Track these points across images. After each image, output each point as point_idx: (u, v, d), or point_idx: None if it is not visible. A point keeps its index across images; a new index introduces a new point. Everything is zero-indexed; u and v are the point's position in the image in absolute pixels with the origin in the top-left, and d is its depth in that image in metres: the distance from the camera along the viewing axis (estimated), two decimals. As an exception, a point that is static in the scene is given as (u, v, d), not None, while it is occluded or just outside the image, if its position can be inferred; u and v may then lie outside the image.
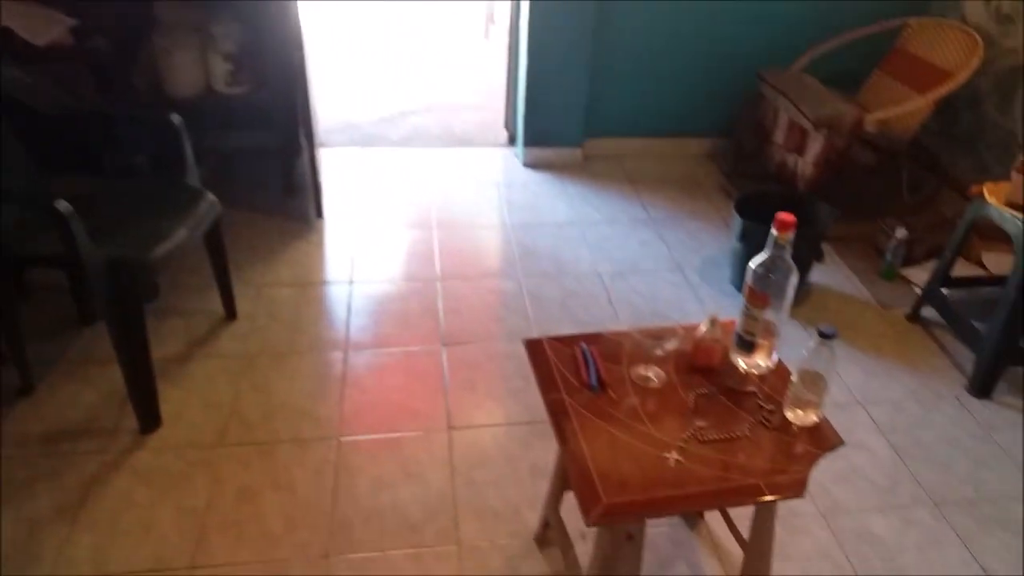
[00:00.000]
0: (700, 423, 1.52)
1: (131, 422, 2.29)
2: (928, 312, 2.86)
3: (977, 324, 2.61)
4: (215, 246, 2.59)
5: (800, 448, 1.48)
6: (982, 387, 2.53)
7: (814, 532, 2.05)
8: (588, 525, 1.33)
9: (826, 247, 3.23)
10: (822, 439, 1.51)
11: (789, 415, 1.54)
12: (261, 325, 2.74)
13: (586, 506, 1.35)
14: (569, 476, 1.42)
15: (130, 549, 1.95)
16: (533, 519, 2.05)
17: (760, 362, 1.66)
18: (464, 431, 2.33)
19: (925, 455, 2.30)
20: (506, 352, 2.64)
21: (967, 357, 2.67)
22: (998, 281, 2.53)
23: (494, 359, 2.61)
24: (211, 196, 2.45)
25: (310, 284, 2.96)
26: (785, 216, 1.51)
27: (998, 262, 3.07)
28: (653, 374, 1.63)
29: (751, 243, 2.83)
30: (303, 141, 3.19)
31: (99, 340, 2.55)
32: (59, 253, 2.02)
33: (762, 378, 1.65)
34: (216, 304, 2.75)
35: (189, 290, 2.88)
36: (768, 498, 1.39)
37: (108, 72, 3.07)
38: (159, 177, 2.48)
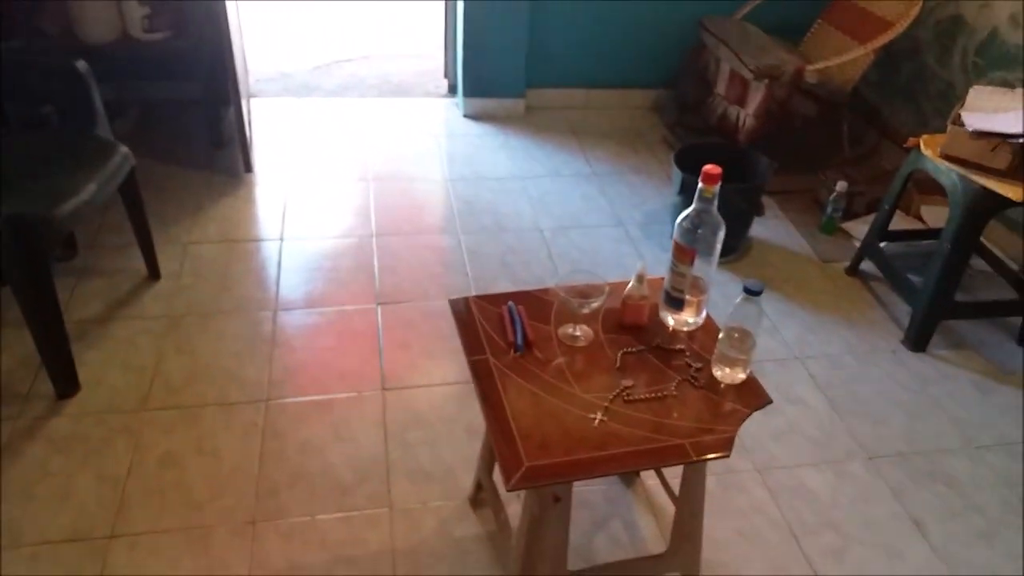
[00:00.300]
0: (627, 382, 1.48)
1: (47, 387, 2.19)
2: (867, 266, 2.87)
3: (913, 278, 2.62)
4: (132, 202, 2.46)
5: (727, 407, 1.46)
6: (917, 340, 2.55)
7: (749, 488, 2.05)
8: (508, 489, 1.29)
9: (767, 201, 3.21)
10: (750, 397, 1.49)
11: (717, 373, 1.51)
12: (186, 284, 2.63)
13: (507, 469, 1.31)
14: (491, 439, 1.37)
15: (46, 519, 1.87)
16: (467, 480, 2.01)
17: (689, 319, 1.62)
18: (398, 392, 2.28)
19: (861, 409, 2.31)
20: (443, 311, 2.58)
21: (904, 311, 2.68)
22: (935, 234, 2.53)
23: (430, 318, 2.55)
24: (124, 149, 2.31)
25: (238, 241, 2.85)
26: (711, 169, 1.46)
27: (936, 215, 3.09)
28: (580, 333, 1.59)
29: (691, 197, 2.78)
30: (229, 91, 3.04)
31: (12, 302, 2.42)
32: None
33: (691, 335, 1.61)
34: (139, 263, 2.63)
35: (110, 249, 2.75)
36: (694, 459, 1.36)
37: (9, 14, 2.87)
38: (67, 129, 2.33)
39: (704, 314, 1.64)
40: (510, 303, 1.65)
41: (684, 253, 1.53)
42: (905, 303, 2.70)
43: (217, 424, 2.14)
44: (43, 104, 2.41)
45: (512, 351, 1.54)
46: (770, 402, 1.49)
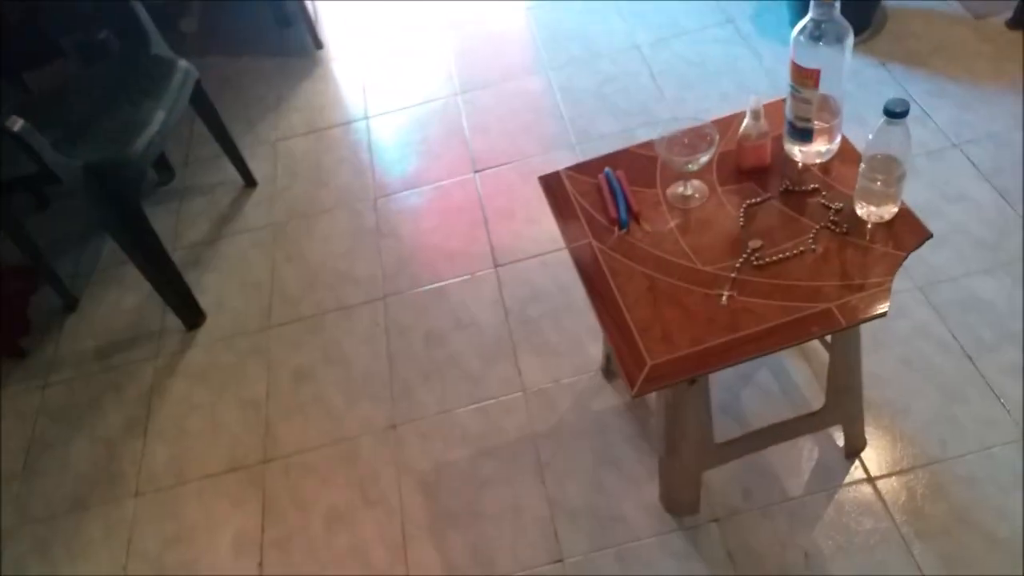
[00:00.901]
0: (754, 243, 1.28)
1: (176, 321, 2.23)
2: (1034, 10, 2.38)
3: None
4: (207, 114, 2.37)
5: (878, 251, 1.23)
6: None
7: (911, 310, 1.83)
8: (634, 396, 1.16)
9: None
10: (904, 235, 1.25)
11: (861, 212, 1.27)
12: (283, 187, 2.57)
13: (629, 372, 1.18)
14: (607, 336, 1.24)
15: (203, 453, 1.95)
16: (596, 351, 1.91)
17: (821, 148, 1.36)
18: (511, 267, 2.16)
19: (1039, 192, 1.98)
20: (542, 166, 2.38)
21: (1085, 57, 2.23)
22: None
23: (530, 179, 2.36)
24: (183, 63, 2.19)
25: (325, 129, 2.72)
26: (829, -33, 1.15)
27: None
28: (693, 190, 1.38)
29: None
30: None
31: (124, 241, 2.46)
32: (35, 172, 1.86)
33: (825, 168, 1.37)
34: (235, 173, 2.58)
35: (205, 162, 2.70)
36: (844, 325, 1.17)
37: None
38: (121, 56, 2.22)
39: (839, 139, 1.38)
40: (607, 170, 1.45)
41: (806, 75, 1.26)
42: (1088, 49, 2.24)
43: (340, 331, 2.12)
44: (98, 30, 2.30)
45: (616, 228, 1.36)
46: (929, 236, 1.25)
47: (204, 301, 2.27)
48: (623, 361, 1.19)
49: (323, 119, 2.76)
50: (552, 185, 1.48)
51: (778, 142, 1.40)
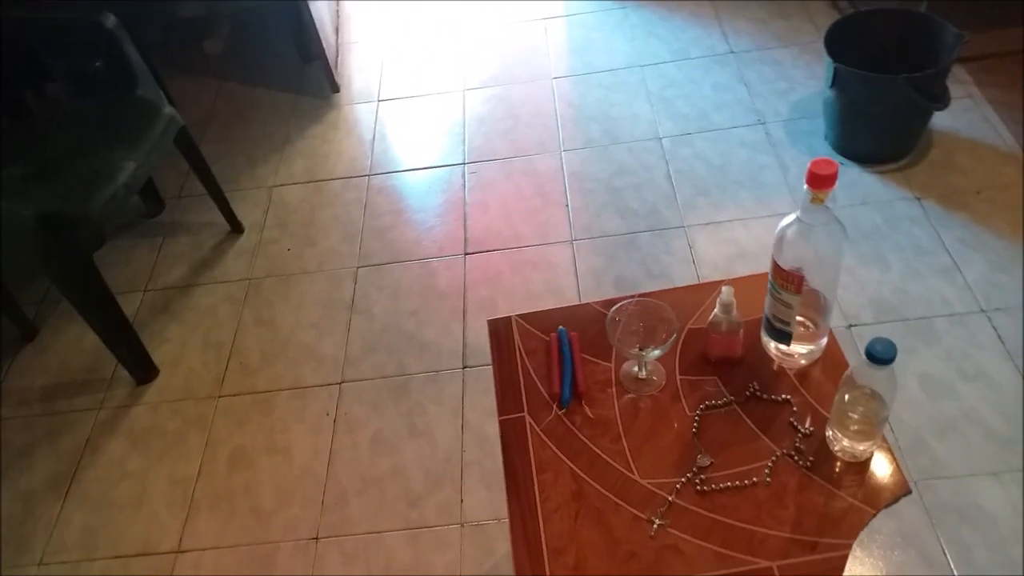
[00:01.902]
0: (702, 460, 1.11)
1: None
2: (1097, 161, 2.16)
3: None
4: (193, 159, 2.27)
5: (842, 502, 1.05)
6: None
7: (901, 508, 1.61)
8: (526, 636, 1.00)
9: (956, 75, 2.48)
10: (879, 486, 1.07)
11: (832, 445, 1.09)
12: (269, 239, 2.45)
13: (528, 602, 1.01)
14: (512, 542, 1.07)
15: (120, 529, 1.83)
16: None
17: (801, 350, 1.19)
18: (480, 371, 2.01)
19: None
20: (534, 259, 2.23)
21: None
22: None
23: (520, 270, 2.21)
24: (168, 110, 2.08)
25: (325, 180, 2.60)
26: (820, 167, 0.98)
27: None
28: (649, 374, 1.21)
29: (847, 91, 2.18)
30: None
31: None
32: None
33: (803, 376, 1.19)
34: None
35: (197, 198, 2.59)
36: (783, 592, 0.99)
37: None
38: (105, 94, 2.12)
39: (824, 342, 1.20)
40: (561, 329, 1.28)
41: (787, 278, 1.08)
42: None
43: (290, 414, 1.99)
44: (92, 59, 2.20)
45: (556, 406, 1.20)
46: (907, 494, 1.06)
47: (162, 353, 2.16)
48: (524, 585, 1.03)
49: (325, 169, 2.64)
50: (500, 332, 1.33)
51: (756, 327, 1.23)
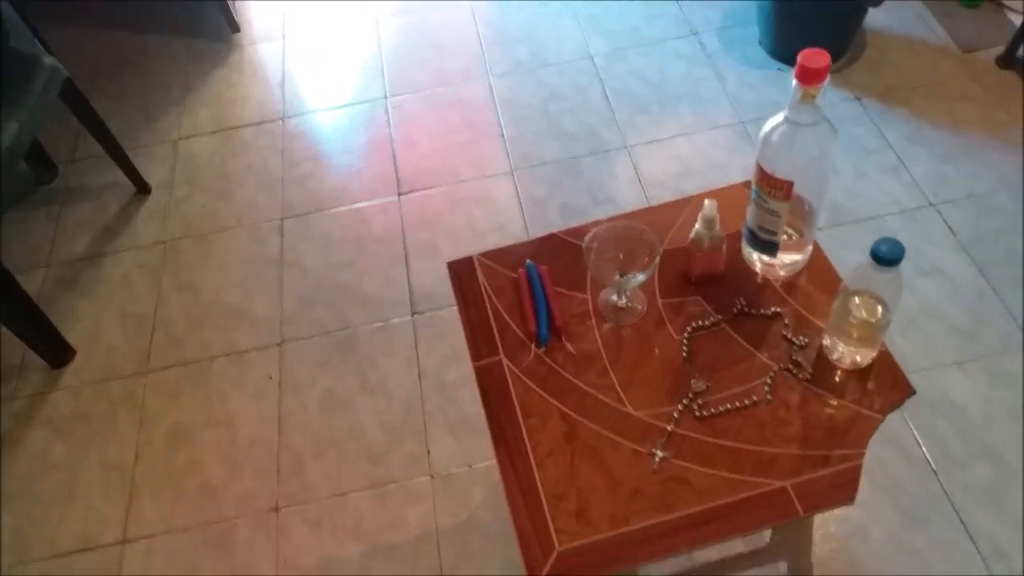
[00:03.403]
0: (697, 384, 1.04)
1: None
2: (1026, 48, 2.15)
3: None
4: (84, 115, 2.04)
5: (848, 409, 1.00)
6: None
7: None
8: (534, 592, 0.92)
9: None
10: (883, 389, 1.02)
11: (831, 353, 1.04)
12: (180, 197, 2.24)
13: (532, 559, 0.93)
14: (509, 502, 0.99)
15: (54, 526, 1.67)
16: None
17: (786, 260, 1.12)
18: (431, 315, 1.89)
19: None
20: (475, 193, 2.11)
21: (1078, 110, 2.02)
22: None
23: (460, 207, 2.09)
24: (48, 60, 1.85)
25: (234, 128, 2.39)
26: (810, 59, 0.89)
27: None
28: (629, 300, 1.12)
29: (782, -7, 2.10)
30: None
31: (-14, 254, 2.12)
32: None
33: (790, 286, 1.12)
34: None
35: (93, 159, 2.35)
36: (802, 513, 0.93)
37: None
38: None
39: (810, 249, 1.13)
40: (529, 263, 1.18)
41: (775, 185, 1.00)
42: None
43: (228, 381, 1.84)
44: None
45: (534, 345, 1.11)
46: (913, 393, 1.02)
47: (76, 333, 1.96)
48: (524, 539, 0.95)
49: (233, 116, 2.43)
50: (462, 274, 1.21)
51: (736, 240, 1.15)
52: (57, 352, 1.90)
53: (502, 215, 2.05)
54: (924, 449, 1.54)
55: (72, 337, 1.95)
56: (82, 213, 2.24)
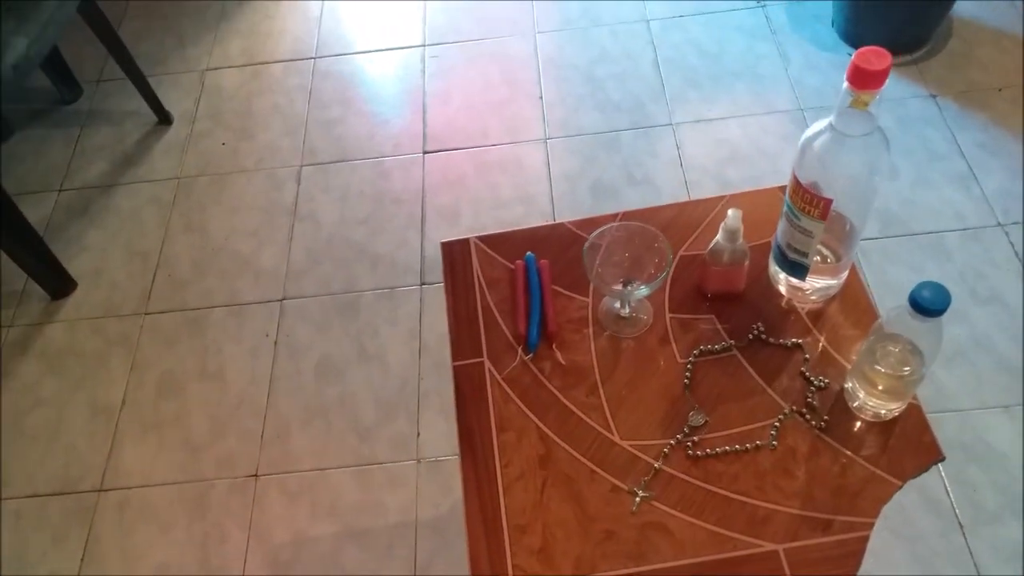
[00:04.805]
0: (695, 418, 0.92)
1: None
2: None
3: None
4: (103, 35, 1.95)
5: (862, 470, 0.87)
6: None
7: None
8: (480, 635, 0.82)
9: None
10: (906, 451, 0.89)
11: (851, 400, 0.91)
12: (201, 131, 2.16)
13: (483, 594, 0.84)
14: (467, 522, 0.89)
15: (35, 464, 1.63)
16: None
17: (817, 284, 0.98)
18: (439, 288, 1.79)
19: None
20: (501, 160, 1.98)
21: None
22: None
23: (485, 172, 1.97)
24: (64, -24, 1.75)
25: (264, 63, 2.29)
26: (868, 59, 0.74)
27: None
28: (632, 310, 1.00)
29: (863, -29, 1.90)
30: None
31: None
32: None
33: (817, 316, 0.99)
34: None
35: (121, 84, 2.26)
36: (791, 584, 0.82)
37: None
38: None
39: (845, 275, 0.99)
40: (529, 255, 1.06)
41: (812, 201, 0.86)
42: None
43: (225, 334, 1.78)
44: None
45: (521, 350, 1.00)
46: (941, 459, 0.89)
47: (80, 263, 1.91)
48: (476, 571, 0.85)
49: (266, 50, 2.33)
50: (455, 258, 1.10)
51: (763, 253, 1.02)
52: (58, 283, 1.85)
53: (530, 185, 1.92)
54: (952, 497, 1.40)
55: (75, 268, 1.90)
56: (101, 138, 2.18)
